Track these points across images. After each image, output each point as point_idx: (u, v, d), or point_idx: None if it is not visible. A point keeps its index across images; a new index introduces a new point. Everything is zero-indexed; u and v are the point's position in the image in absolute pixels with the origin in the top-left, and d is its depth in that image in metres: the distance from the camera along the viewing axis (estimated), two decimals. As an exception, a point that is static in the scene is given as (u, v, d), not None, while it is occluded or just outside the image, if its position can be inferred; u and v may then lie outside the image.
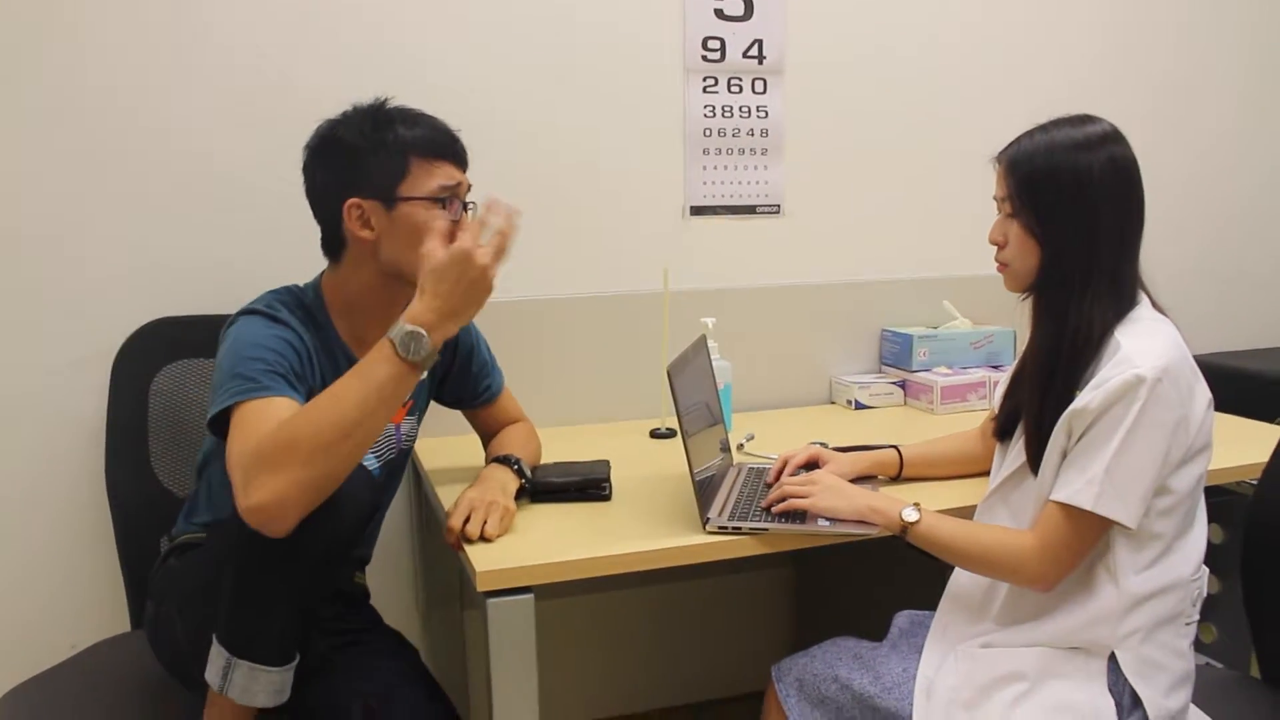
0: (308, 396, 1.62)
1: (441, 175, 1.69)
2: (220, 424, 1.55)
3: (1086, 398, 1.51)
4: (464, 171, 1.75)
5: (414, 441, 1.95)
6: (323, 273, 1.79)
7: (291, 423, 1.45)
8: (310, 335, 1.70)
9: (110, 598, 2.09)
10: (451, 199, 1.70)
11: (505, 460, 1.84)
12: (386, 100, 1.73)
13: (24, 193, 2.05)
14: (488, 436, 2.05)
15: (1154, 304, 1.62)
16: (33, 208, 2.06)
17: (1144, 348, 1.50)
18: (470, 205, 1.75)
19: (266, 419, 1.49)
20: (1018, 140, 1.63)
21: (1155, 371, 1.46)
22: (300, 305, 1.74)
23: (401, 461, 1.93)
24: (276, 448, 1.41)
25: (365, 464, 1.78)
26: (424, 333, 1.49)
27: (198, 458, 1.83)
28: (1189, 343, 1.57)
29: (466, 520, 1.65)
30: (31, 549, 2.14)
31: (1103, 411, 1.48)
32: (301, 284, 1.79)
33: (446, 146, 1.72)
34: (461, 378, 1.99)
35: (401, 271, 1.69)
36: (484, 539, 1.63)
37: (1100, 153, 1.56)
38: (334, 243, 1.74)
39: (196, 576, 1.65)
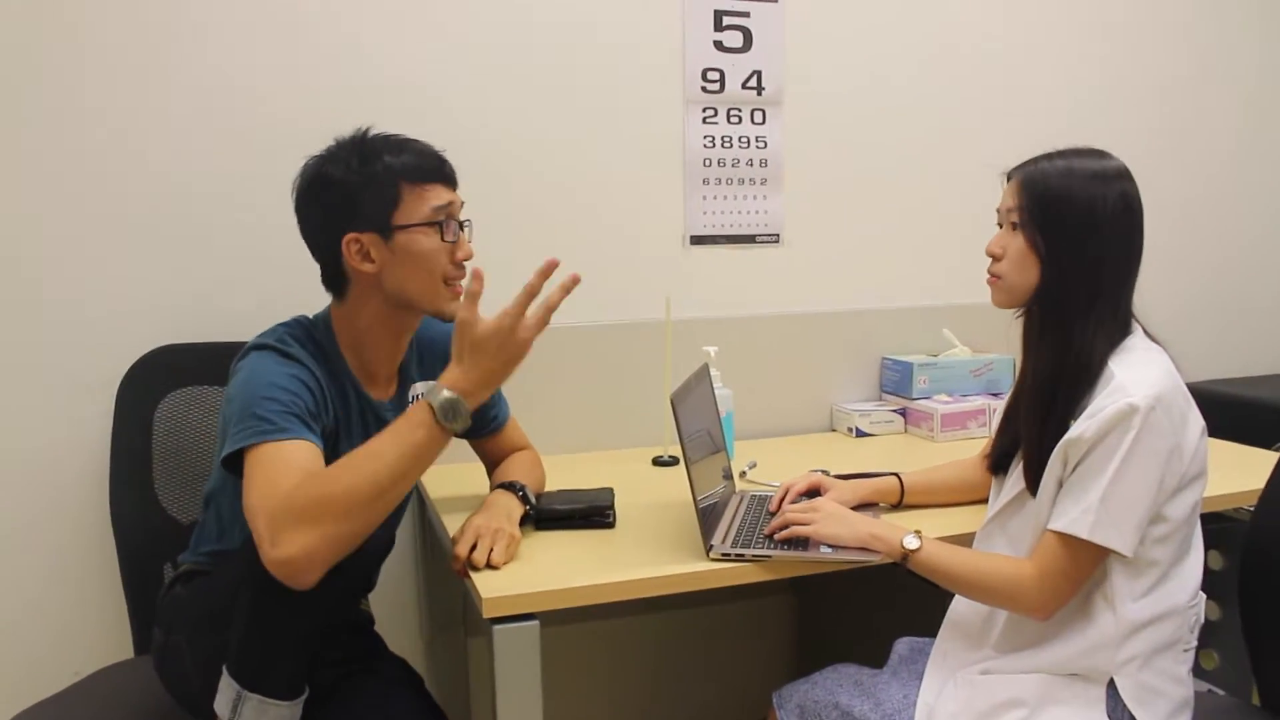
0: (323, 434, 1.63)
1: (433, 198, 1.70)
2: (234, 462, 1.55)
3: (1081, 427, 1.52)
4: (454, 190, 1.76)
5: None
6: (330, 305, 1.79)
7: (326, 478, 1.46)
8: (321, 370, 1.70)
9: (114, 624, 2.10)
10: (447, 220, 1.71)
11: (510, 487, 1.85)
12: (368, 130, 1.73)
13: (26, 221, 2.07)
14: (493, 464, 2.05)
15: (1147, 333, 1.63)
16: (35, 236, 2.08)
17: (1137, 377, 1.51)
18: (466, 223, 1.76)
19: (286, 464, 1.50)
20: (1034, 160, 1.64)
21: (1149, 400, 1.47)
22: (310, 339, 1.74)
23: (412, 491, 1.94)
24: (310, 502, 1.42)
25: None
26: (462, 400, 1.52)
27: (205, 487, 1.83)
28: (1186, 370, 1.58)
29: (473, 547, 1.66)
30: (35, 575, 2.14)
31: (1097, 441, 1.50)
32: (311, 315, 1.79)
33: (435, 169, 1.72)
34: None
35: (409, 300, 1.71)
36: (490, 566, 1.64)
37: (1114, 186, 1.58)
38: (336, 279, 1.74)
39: (204, 606, 1.65)
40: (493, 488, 1.90)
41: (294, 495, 1.44)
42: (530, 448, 2.09)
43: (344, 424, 1.73)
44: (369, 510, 1.46)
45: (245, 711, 1.51)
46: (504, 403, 2.05)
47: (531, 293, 1.57)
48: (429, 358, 1.90)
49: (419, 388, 1.87)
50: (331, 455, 1.64)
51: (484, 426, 2.02)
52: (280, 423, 1.55)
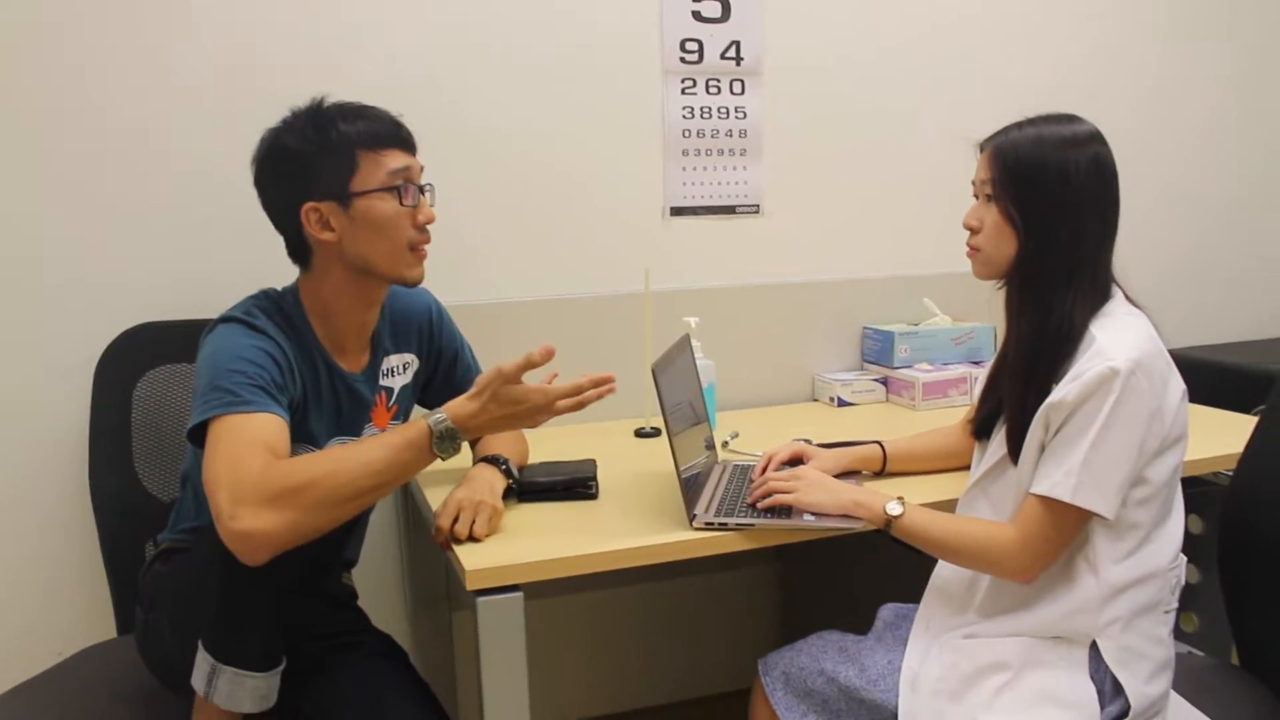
0: (290, 406, 1.63)
1: (390, 162, 1.68)
2: (199, 435, 1.53)
3: (1062, 391, 1.52)
4: (413, 155, 1.74)
5: None
6: (297, 277, 1.79)
7: (304, 466, 1.46)
8: (290, 342, 1.69)
9: (96, 604, 2.09)
10: (405, 184, 1.69)
11: (493, 460, 1.85)
12: (323, 99, 1.71)
13: (7, 197, 2.05)
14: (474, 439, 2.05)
15: (1127, 297, 1.64)
16: (12, 214, 2.06)
17: (1117, 340, 1.52)
18: (427, 187, 1.75)
19: (250, 438, 1.49)
20: (1005, 130, 1.63)
21: (1129, 364, 1.48)
22: (279, 310, 1.73)
23: None
24: (282, 487, 1.42)
25: None
26: (461, 434, 1.55)
27: (183, 466, 1.83)
28: (1168, 336, 1.59)
29: (455, 520, 1.66)
30: (15, 555, 2.13)
31: (1079, 404, 1.50)
32: (279, 288, 1.78)
33: (391, 134, 1.70)
34: (445, 383, 1.99)
35: (371, 267, 1.70)
36: (473, 539, 1.64)
37: (1087, 150, 1.58)
38: (300, 250, 1.74)
39: (183, 582, 1.65)
40: (475, 462, 1.89)
41: (267, 475, 1.43)
42: None
43: (312, 394, 1.72)
44: (337, 509, 1.47)
45: (220, 684, 1.51)
46: (475, 373, 2.04)
47: (577, 392, 1.63)
48: (402, 329, 1.90)
49: (393, 360, 1.87)
50: (299, 427, 1.66)
51: None
52: (245, 395, 1.54)
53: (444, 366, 1.98)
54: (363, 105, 1.71)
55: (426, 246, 1.74)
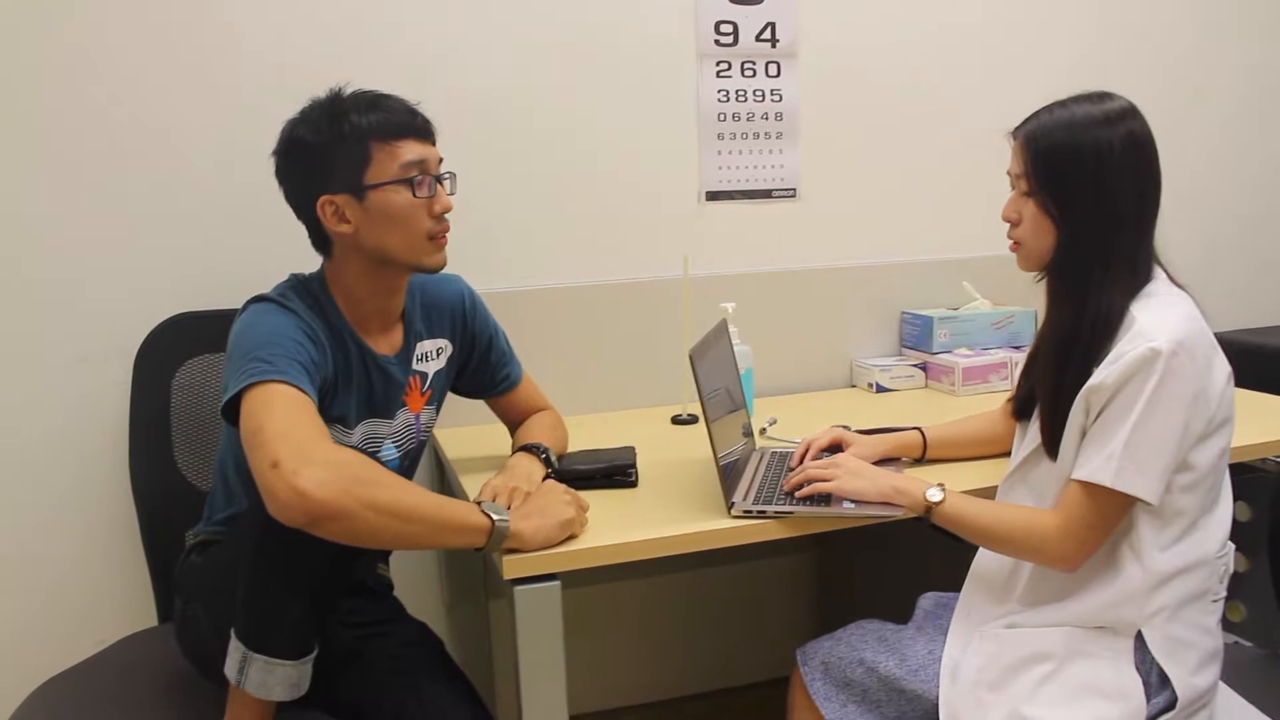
0: (321, 387, 1.63)
1: (404, 154, 1.67)
2: (233, 411, 1.51)
3: (1103, 374, 1.50)
4: (430, 144, 1.72)
5: (431, 430, 1.96)
6: (323, 264, 1.79)
7: (377, 465, 1.46)
8: (320, 323, 1.70)
9: (137, 592, 2.10)
10: (420, 176, 1.68)
11: (532, 449, 1.85)
12: (342, 89, 1.70)
13: (46, 191, 2.06)
14: (513, 425, 2.05)
15: (1170, 277, 1.60)
16: (54, 206, 2.07)
17: (1159, 320, 1.49)
18: (447, 176, 1.74)
19: (301, 406, 1.49)
20: (1036, 115, 1.60)
21: (1171, 344, 1.45)
22: (308, 293, 1.73)
23: (420, 451, 1.94)
24: (354, 470, 1.41)
25: (385, 454, 1.81)
26: (509, 538, 1.52)
27: (217, 454, 1.84)
28: (1213, 319, 1.56)
29: None
30: (60, 546, 2.15)
31: (1119, 387, 1.47)
32: (308, 274, 1.78)
33: (405, 125, 1.69)
34: (479, 369, 1.99)
35: (388, 257, 1.70)
36: None
37: (1120, 128, 1.54)
38: (320, 240, 1.74)
39: (219, 573, 1.64)
40: (514, 450, 1.90)
41: (338, 450, 1.44)
42: (550, 408, 2.08)
43: (343, 375, 1.73)
44: (385, 524, 1.42)
45: (251, 673, 1.50)
46: (516, 363, 2.04)
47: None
48: (435, 315, 1.90)
49: (426, 345, 1.87)
50: (330, 407, 1.68)
51: (495, 385, 2.02)
52: (283, 366, 1.53)
53: (479, 353, 1.97)
54: (379, 95, 1.70)
55: (447, 234, 1.74)
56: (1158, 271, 1.59)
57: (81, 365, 2.12)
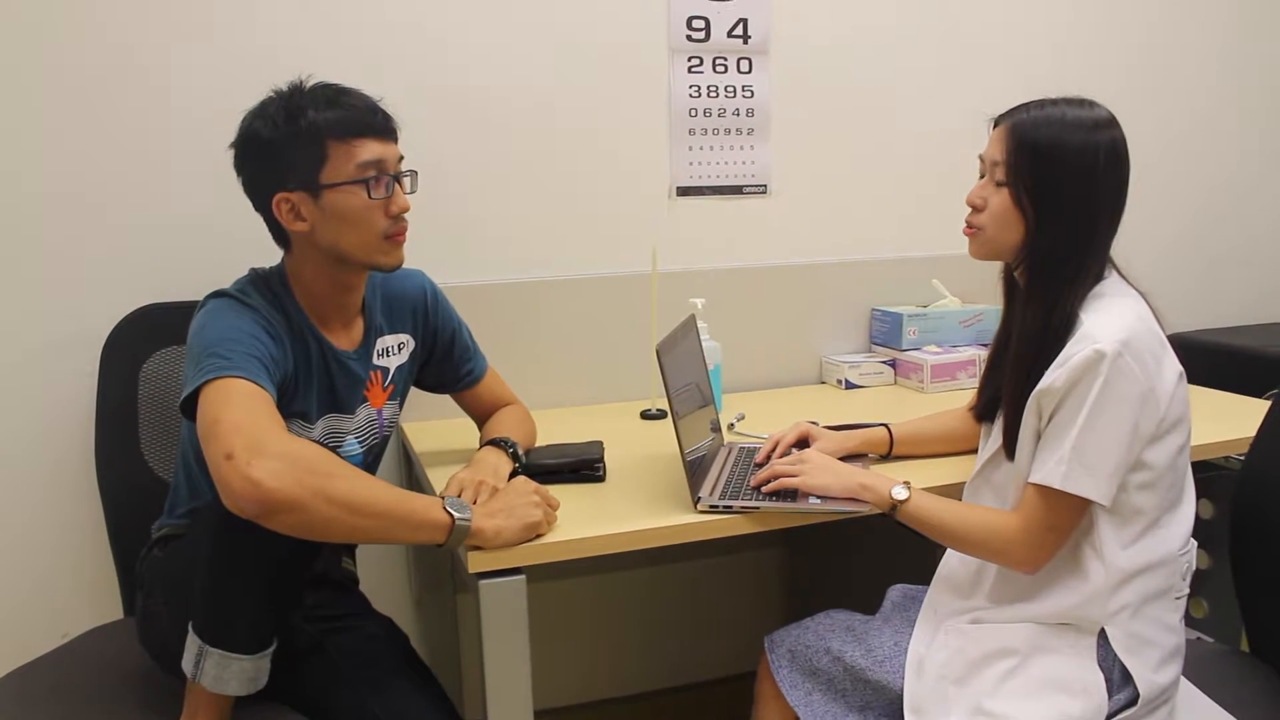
0: (281, 383, 1.62)
1: (361, 153, 1.63)
2: (192, 406, 1.50)
3: (1051, 376, 1.51)
4: (391, 142, 1.69)
5: (395, 425, 1.95)
6: (283, 257, 1.77)
7: (332, 457, 1.45)
8: (280, 318, 1.68)
9: (102, 585, 2.09)
10: (377, 176, 1.64)
11: (499, 443, 1.84)
12: (303, 82, 1.66)
13: (6, 181, 2.04)
14: (480, 419, 2.05)
15: (1122, 276, 1.61)
16: (22, 193, 2.05)
17: (1104, 323, 1.50)
18: (407, 175, 1.71)
19: (259, 400, 1.48)
20: (1024, 107, 1.60)
21: (1115, 345, 1.46)
22: (268, 288, 1.71)
23: (383, 446, 1.92)
24: (308, 461, 1.40)
25: (348, 449, 1.79)
26: (470, 535, 1.51)
27: (179, 447, 1.83)
28: (1173, 320, 1.57)
29: None
30: (22, 536, 2.13)
31: (1068, 390, 1.48)
32: (268, 267, 1.77)
33: (364, 123, 1.64)
34: (442, 363, 1.98)
35: (344, 256, 1.68)
36: None
37: (1105, 135, 1.55)
38: (278, 235, 1.72)
39: (181, 568, 1.63)
40: (482, 444, 1.89)
41: (292, 441, 1.43)
42: (517, 402, 2.08)
43: (304, 370, 1.71)
44: (338, 516, 1.40)
45: (207, 666, 1.50)
46: (480, 358, 2.04)
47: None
48: (397, 309, 1.88)
49: (387, 340, 1.86)
50: (291, 402, 1.68)
51: (459, 380, 2.01)
52: (241, 362, 1.52)
53: (441, 347, 1.96)
54: (340, 90, 1.66)
55: (404, 234, 1.71)
56: (1110, 271, 1.60)
57: (48, 354, 2.10)
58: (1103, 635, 1.54)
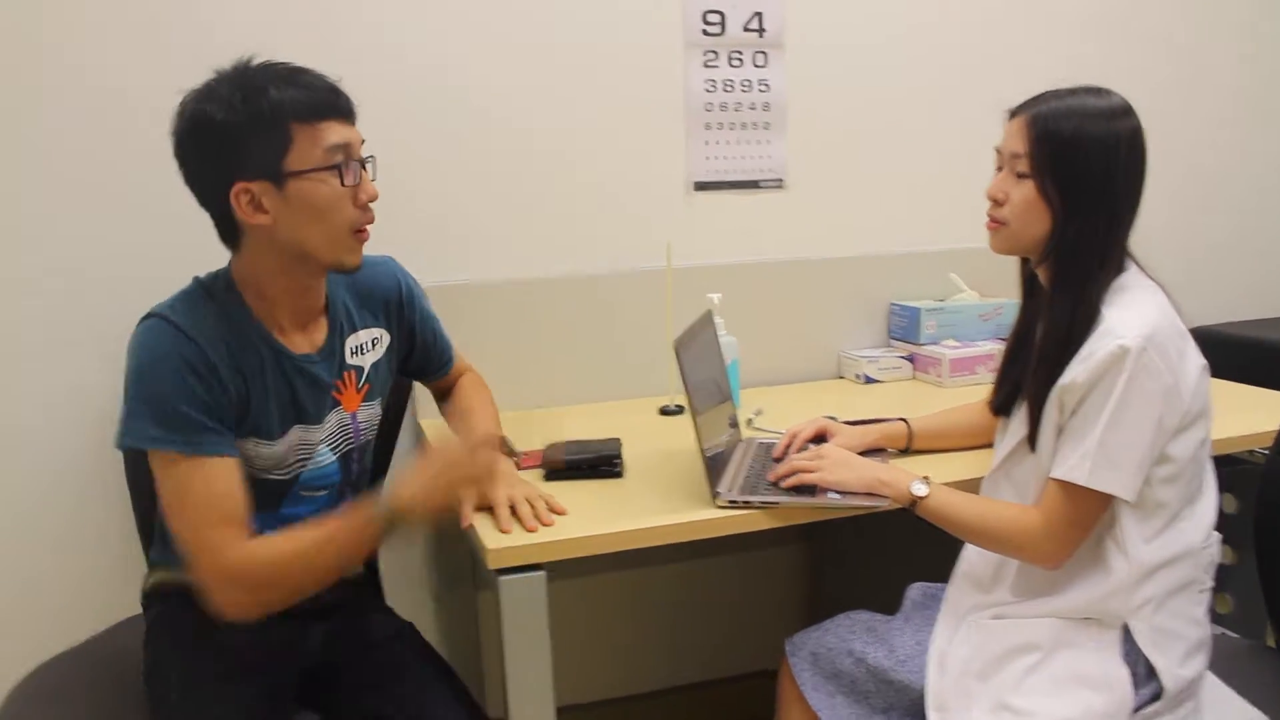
0: (224, 409, 1.54)
1: (328, 137, 1.50)
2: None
3: (1073, 372, 1.50)
4: (352, 124, 1.56)
5: (374, 429, 1.81)
6: (230, 259, 1.63)
7: (285, 560, 1.49)
8: (224, 334, 1.55)
9: (133, 576, 2.08)
10: (346, 161, 1.52)
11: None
12: (250, 59, 1.52)
13: (46, 185, 2.05)
14: (442, 394, 2.01)
15: (1142, 269, 1.60)
16: (70, 186, 2.07)
17: (1127, 318, 1.49)
18: (368, 160, 1.58)
19: (209, 499, 1.49)
20: (1042, 98, 1.58)
21: (1139, 341, 1.45)
22: (210, 299, 1.57)
23: (366, 448, 1.81)
24: (267, 581, 1.49)
25: (320, 459, 1.70)
26: (404, 518, 1.52)
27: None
28: (1198, 313, 1.56)
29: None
30: (58, 531, 2.16)
31: (1091, 385, 1.47)
32: (213, 272, 1.63)
33: (328, 104, 1.52)
34: (423, 356, 1.92)
35: (306, 253, 1.55)
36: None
37: (1124, 124, 1.54)
38: (229, 231, 1.57)
39: (181, 629, 1.66)
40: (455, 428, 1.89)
41: (245, 563, 1.48)
42: (470, 370, 2.03)
43: (257, 384, 1.58)
44: (309, 586, 1.53)
45: None
46: (445, 341, 1.97)
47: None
48: (368, 303, 1.78)
49: (360, 336, 1.75)
50: (242, 419, 1.58)
51: (440, 369, 1.97)
52: (193, 437, 1.49)
53: (420, 341, 1.89)
54: (294, 68, 1.53)
55: (370, 227, 1.59)
56: (1129, 264, 1.59)
57: (77, 349, 2.11)
58: (1126, 629, 1.54)
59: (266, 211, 1.50)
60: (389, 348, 1.81)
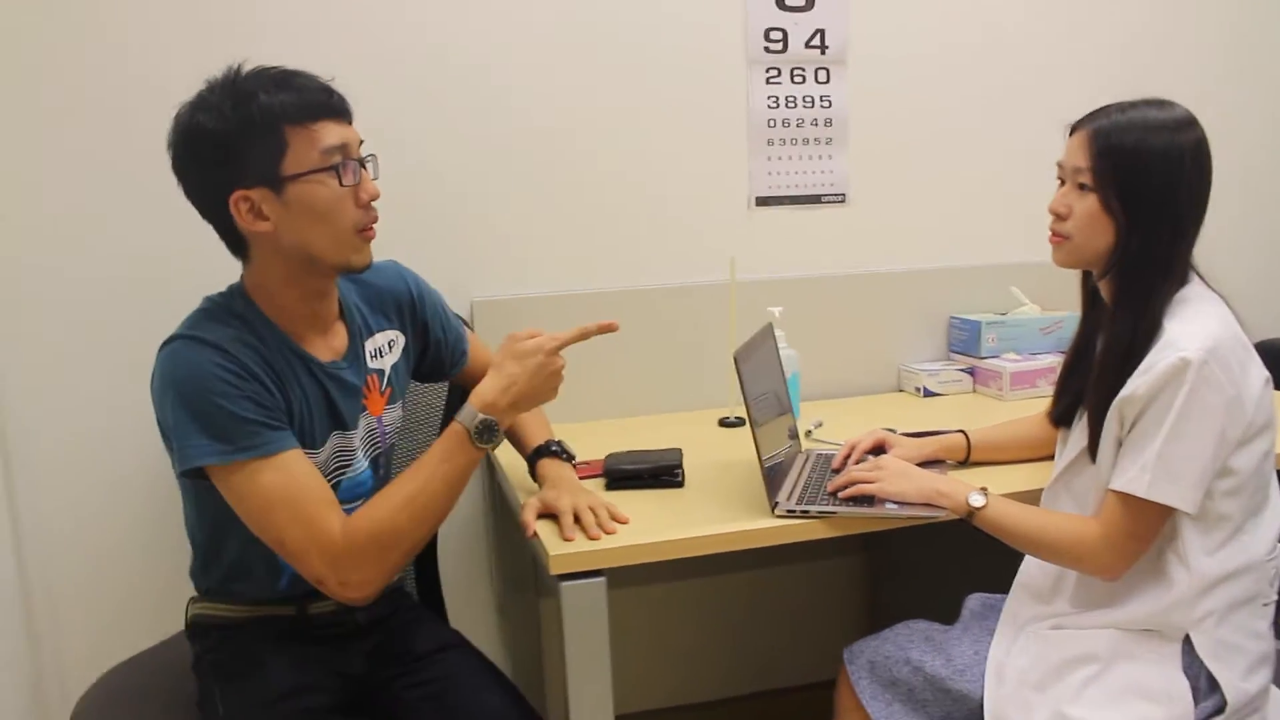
0: (275, 408, 1.52)
1: (324, 138, 1.49)
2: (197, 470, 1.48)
3: (1134, 384, 1.50)
4: (348, 124, 1.54)
5: (397, 432, 1.82)
6: (242, 273, 1.62)
7: (386, 517, 1.50)
8: (254, 347, 1.53)
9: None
10: (344, 161, 1.50)
11: (551, 451, 1.83)
12: (241, 66, 1.50)
13: (83, 199, 2.12)
14: (471, 382, 1.83)
15: (1204, 281, 1.60)
16: (121, 189, 2.12)
17: (1190, 330, 1.48)
18: (368, 159, 1.56)
19: (299, 489, 1.48)
20: (1103, 112, 1.58)
21: (1201, 353, 1.45)
22: (230, 314, 1.56)
23: (389, 456, 1.81)
24: (370, 541, 1.48)
25: (358, 467, 1.70)
26: (496, 422, 1.54)
27: (185, 509, 1.70)
28: (1260, 325, 1.54)
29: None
30: (127, 538, 2.20)
31: (1151, 398, 1.47)
32: (225, 290, 1.62)
33: (320, 104, 1.50)
34: (439, 351, 1.89)
35: (312, 256, 1.53)
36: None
37: (1188, 136, 1.54)
38: (235, 242, 1.56)
39: (223, 663, 1.67)
40: (527, 455, 1.86)
41: (354, 537, 1.48)
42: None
43: (294, 392, 1.57)
44: (424, 534, 1.55)
45: None
46: (458, 332, 1.93)
47: (582, 336, 1.64)
48: (380, 306, 1.77)
49: (377, 340, 1.74)
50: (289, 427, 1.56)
51: (457, 362, 1.94)
52: (255, 433, 1.46)
53: (434, 338, 1.86)
54: (286, 71, 1.51)
55: (375, 226, 1.58)
56: (1192, 275, 1.59)
57: (140, 359, 2.14)
58: (1188, 641, 1.53)
59: (267, 219, 1.49)
60: (404, 349, 1.80)
